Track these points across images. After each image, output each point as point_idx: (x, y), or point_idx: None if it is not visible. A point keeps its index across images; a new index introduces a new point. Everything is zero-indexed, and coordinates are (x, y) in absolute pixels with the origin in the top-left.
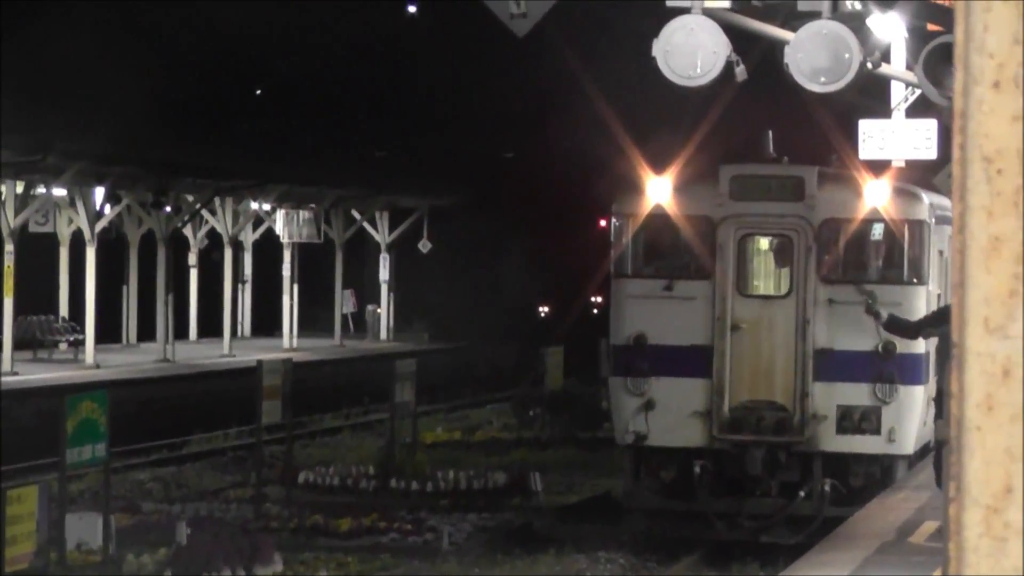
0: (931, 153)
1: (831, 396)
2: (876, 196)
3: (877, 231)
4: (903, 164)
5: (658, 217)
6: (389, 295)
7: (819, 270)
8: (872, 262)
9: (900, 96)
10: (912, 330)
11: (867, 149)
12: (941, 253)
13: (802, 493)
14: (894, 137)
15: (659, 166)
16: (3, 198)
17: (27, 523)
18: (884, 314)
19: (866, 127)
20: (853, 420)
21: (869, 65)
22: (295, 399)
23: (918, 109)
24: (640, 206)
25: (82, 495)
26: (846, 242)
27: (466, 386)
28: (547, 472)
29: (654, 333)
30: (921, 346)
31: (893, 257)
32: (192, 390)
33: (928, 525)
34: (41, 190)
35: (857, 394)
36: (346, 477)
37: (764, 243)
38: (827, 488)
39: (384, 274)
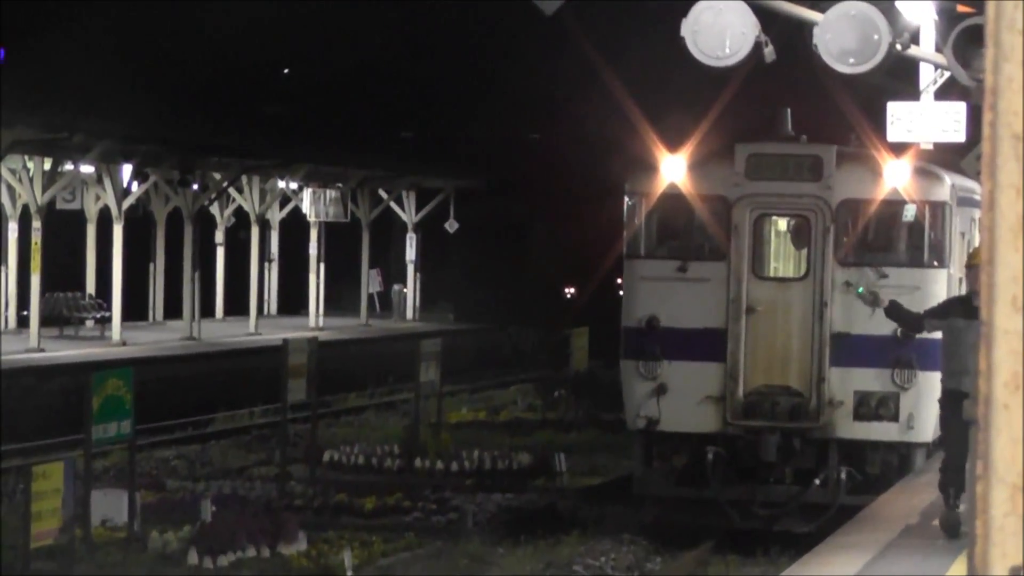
0: (959, 136)
1: (848, 381)
2: (896, 176)
3: (897, 212)
4: (931, 147)
5: (672, 196)
6: (415, 275)
7: (837, 252)
8: (892, 244)
9: (929, 78)
10: (915, 321)
11: (895, 131)
12: (963, 235)
13: (817, 481)
14: (922, 120)
15: (674, 144)
16: (31, 175)
17: (53, 499)
18: (885, 301)
19: (894, 109)
20: (870, 406)
21: (898, 47)
22: (320, 378)
23: (947, 92)
24: (654, 185)
25: (107, 472)
26: (865, 223)
27: (491, 366)
28: (571, 453)
29: (667, 315)
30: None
31: (913, 239)
32: (218, 368)
33: None
34: (68, 167)
35: (875, 380)
36: (370, 456)
37: (781, 224)
38: (843, 476)
39: (410, 254)
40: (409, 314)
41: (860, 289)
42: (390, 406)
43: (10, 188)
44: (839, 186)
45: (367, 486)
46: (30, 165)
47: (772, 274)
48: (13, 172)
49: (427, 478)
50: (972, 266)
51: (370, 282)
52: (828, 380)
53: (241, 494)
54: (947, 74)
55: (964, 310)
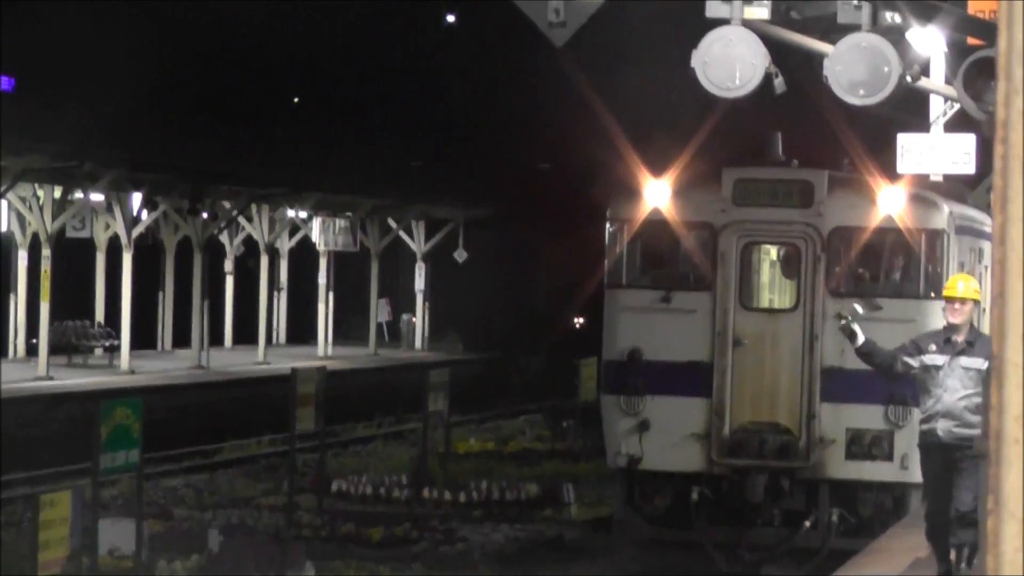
0: (969, 168)
1: (839, 419)
2: (891, 203)
3: (891, 241)
4: (940, 178)
5: (655, 223)
6: (424, 304)
7: (828, 282)
8: (886, 274)
9: (939, 110)
10: (888, 360)
11: (905, 163)
12: (963, 265)
13: (807, 523)
14: (932, 152)
15: (661, 168)
16: (41, 203)
17: (60, 528)
18: (862, 337)
19: (904, 141)
20: (863, 445)
21: (908, 79)
22: (329, 407)
23: (957, 124)
24: (636, 211)
25: (115, 501)
26: (858, 252)
27: (499, 396)
28: (580, 484)
29: (650, 348)
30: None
31: (909, 269)
32: (226, 397)
33: None
34: (78, 195)
35: (868, 417)
36: (379, 486)
37: (769, 252)
38: (834, 518)
39: (419, 283)
40: (418, 344)
41: (852, 317)
42: (398, 436)
43: (20, 216)
44: (831, 213)
45: (375, 516)
46: (40, 193)
47: (760, 305)
48: (23, 200)
49: (435, 508)
50: (949, 298)
51: (379, 311)
52: (819, 417)
53: (249, 524)
54: (957, 106)
55: (940, 345)
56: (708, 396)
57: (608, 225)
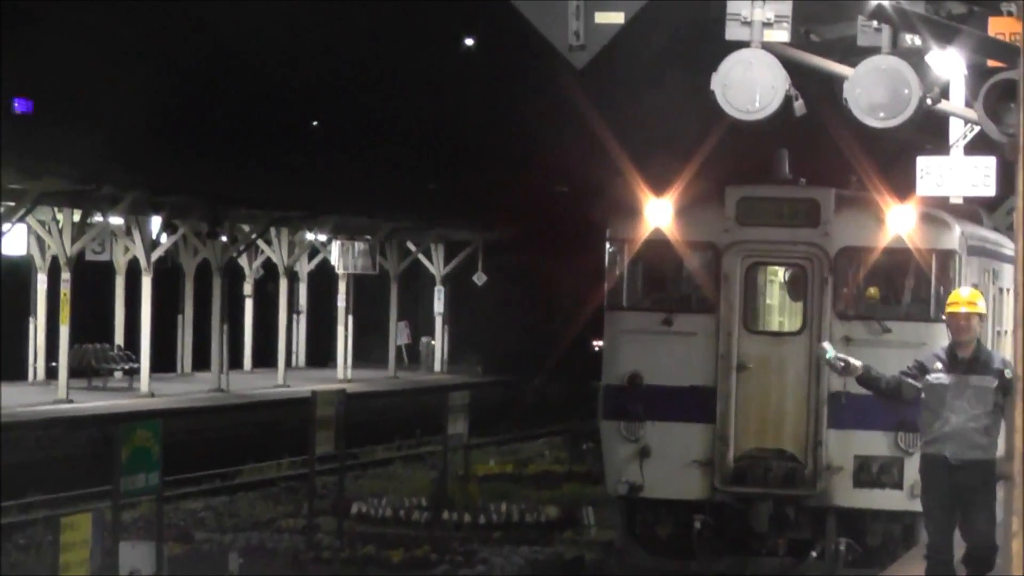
0: (989, 191)
1: (847, 445)
2: (900, 223)
3: (901, 262)
4: (960, 200)
5: (657, 243)
6: (443, 327)
7: (835, 304)
8: (895, 296)
9: (959, 133)
10: (893, 386)
11: (925, 186)
12: (976, 287)
13: (814, 553)
14: (952, 174)
15: (660, 187)
16: (60, 226)
17: (80, 551)
18: (859, 366)
19: (924, 164)
20: (871, 472)
21: (928, 101)
22: (348, 430)
23: (977, 146)
24: (637, 231)
25: (135, 523)
26: (866, 274)
27: (519, 419)
28: (599, 506)
29: (651, 372)
30: None
31: (919, 291)
32: (246, 420)
33: None
34: (98, 219)
35: (876, 443)
36: (398, 508)
37: (775, 274)
38: (842, 548)
39: (439, 306)
40: (437, 366)
41: (828, 354)
42: (418, 458)
43: (40, 240)
44: (838, 233)
45: (395, 538)
46: (59, 217)
47: (765, 328)
48: (43, 224)
49: (455, 531)
50: (952, 314)
51: (398, 334)
52: (825, 444)
53: (269, 546)
54: (977, 128)
55: (946, 364)
56: (711, 422)
57: (608, 245)
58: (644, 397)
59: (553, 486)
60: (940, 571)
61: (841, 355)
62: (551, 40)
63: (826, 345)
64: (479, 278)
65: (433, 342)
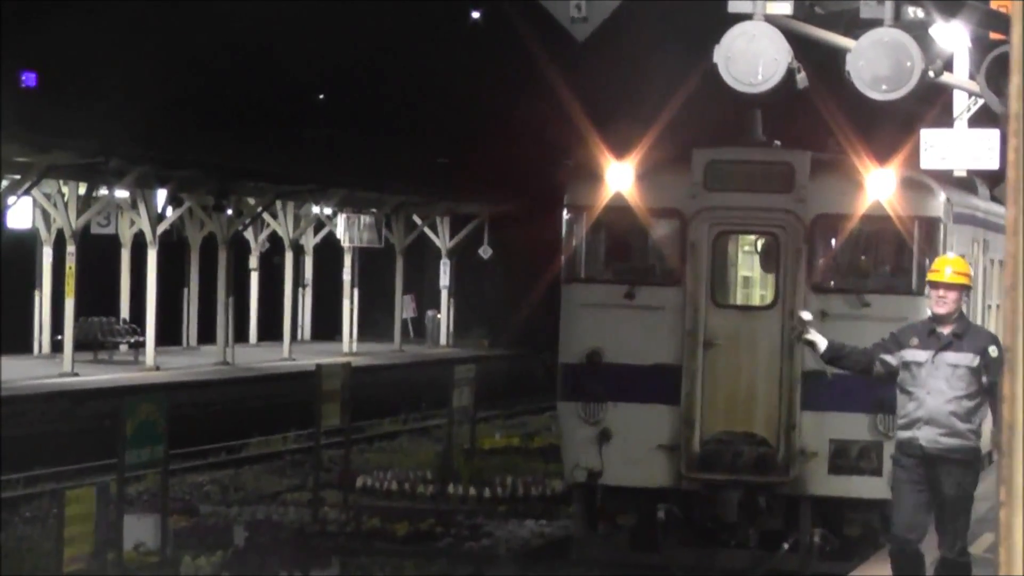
0: (993, 163)
1: (822, 429)
2: (880, 188)
3: (880, 230)
4: (964, 173)
5: (618, 210)
6: (449, 300)
7: (810, 276)
8: (874, 267)
9: (963, 105)
10: (864, 362)
11: (929, 159)
12: (963, 258)
13: (786, 545)
14: (956, 147)
15: (625, 150)
16: (66, 200)
17: (85, 524)
18: (823, 343)
19: (928, 137)
20: (849, 457)
21: (931, 74)
22: (354, 403)
23: (980, 119)
24: (596, 196)
25: (140, 497)
26: (843, 243)
27: (525, 392)
28: None
29: (612, 350)
30: None
31: (900, 262)
32: (251, 393)
33: (987, 537)
34: (103, 192)
35: (854, 426)
36: (404, 482)
37: (745, 243)
38: (816, 539)
39: (444, 279)
40: (443, 340)
41: (803, 321)
42: (423, 432)
43: (45, 213)
44: (814, 199)
45: (400, 512)
46: (65, 190)
47: (735, 302)
48: (48, 197)
49: (460, 504)
50: (933, 283)
51: (404, 308)
52: (799, 427)
53: (274, 519)
54: (981, 101)
55: (923, 340)
56: (676, 403)
57: (565, 212)
58: (604, 376)
59: (559, 460)
60: (907, 563)
61: (811, 333)
62: (553, 12)
63: (806, 316)
64: (485, 251)
65: (439, 315)
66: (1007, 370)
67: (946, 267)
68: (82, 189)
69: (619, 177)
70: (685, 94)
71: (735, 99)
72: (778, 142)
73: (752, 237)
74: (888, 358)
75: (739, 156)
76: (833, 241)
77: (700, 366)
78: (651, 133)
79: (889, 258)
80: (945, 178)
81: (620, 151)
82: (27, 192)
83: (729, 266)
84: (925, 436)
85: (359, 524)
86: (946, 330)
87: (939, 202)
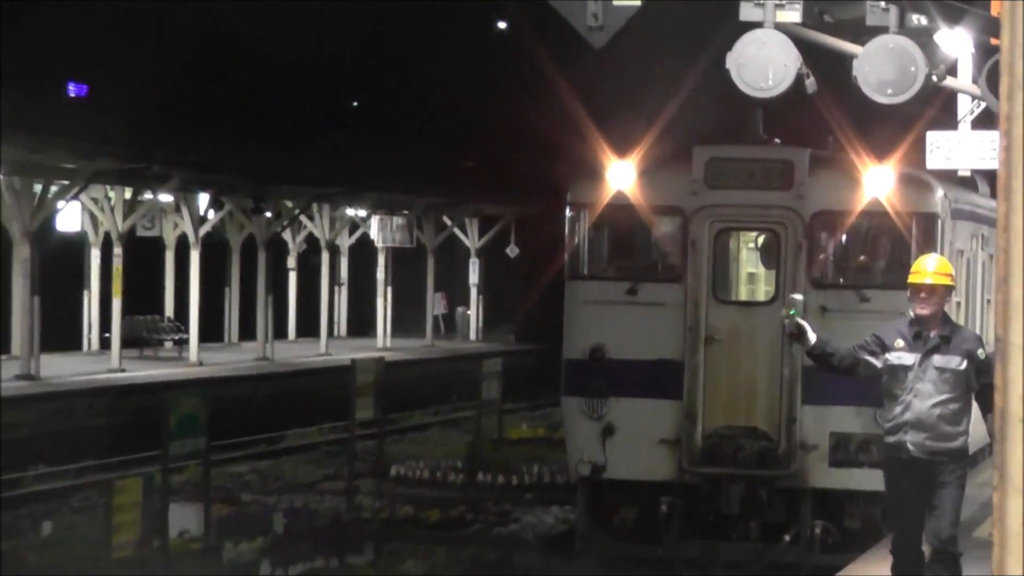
0: (995, 163)
1: (823, 422)
2: (878, 185)
3: (879, 226)
4: (968, 173)
5: (620, 208)
6: (478, 297)
7: (810, 272)
8: (873, 263)
9: (966, 108)
10: (848, 362)
11: (934, 159)
12: (962, 253)
13: (787, 537)
14: (960, 148)
15: (627, 148)
16: (112, 204)
17: (132, 512)
18: (813, 337)
19: (934, 138)
20: (849, 450)
21: (934, 78)
22: (387, 396)
23: (984, 121)
24: (598, 194)
25: (184, 486)
26: (842, 239)
27: (550, 385)
28: None
29: (614, 345)
30: None
31: (899, 257)
32: (289, 387)
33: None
34: (148, 196)
35: (854, 420)
36: (435, 471)
37: (746, 239)
38: (818, 531)
39: (473, 277)
40: (472, 335)
41: (793, 311)
42: (453, 423)
43: (93, 216)
44: (813, 196)
45: (431, 499)
46: (111, 194)
47: (736, 298)
48: (95, 201)
49: (488, 492)
50: (915, 285)
51: (435, 305)
52: (800, 421)
53: (311, 507)
54: (983, 104)
55: (909, 341)
56: (679, 398)
57: (568, 211)
58: (607, 372)
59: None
60: (908, 562)
61: (803, 322)
62: (571, 21)
63: (796, 297)
64: (512, 250)
65: (468, 312)
66: (998, 360)
67: (927, 266)
68: (128, 193)
69: (621, 175)
70: (686, 93)
71: (740, 99)
72: (778, 140)
73: (753, 234)
74: (872, 360)
75: (739, 154)
76: (832, 237)
77: (702, 361)
78: (652, 131)
79: (887, 253)
80: (944, 175)
81: (622, 149)
82: (75, 197)
83: (730, 262)
84: (913, 441)
85: (392, 511)
86: (932, 332)
87: (937, 198)
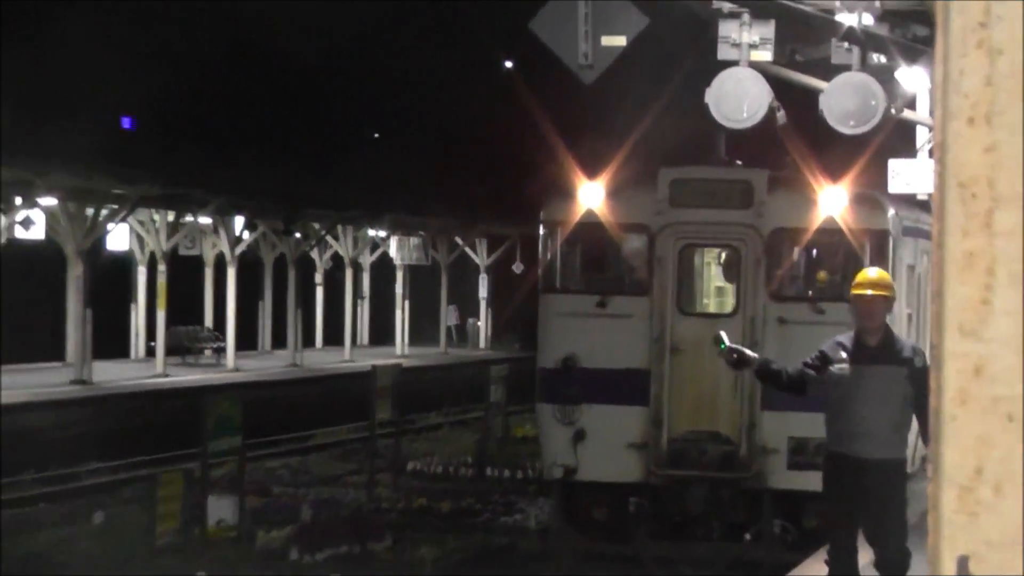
0: None
1: (782, 427)
2: (832, 204)
3: (834, 242)
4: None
5: (590, 226)
6: (487, 310)
7: (769, 285)
8: (828, 276)
9: (925, 137)
10: (794, 379)
11: (895, 184)
12: (912, 268)
13: (748, 535)
14: (918, 174)
15: (596, 170)
16: (157, 226)
17: (174, 503)
18: (754, 360)
19: (895, 166)
20: (807, 453)
21: (892, 111)
22: (404, 399)
23: None
24: (569, 213)
25: (221, 480)
26: (799, 254)
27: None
28: None
29: (585, 355)
30: None
31: (853, 271)
32: (317, 390)
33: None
34: (189, 219)
35: (812, 424)
36: (447, 466)
37: (708, 255)
38: (777, 530)
39: (483, 292)
40: (482, 344)
41: (723, 344)
42: (464, 423)
43: (139, 237)
44: (771, 214)
45: (444, 492)
46: (156, 217)
47: (699, 310)
48: (142, 223)
49: (496, 485)
50: (858, 296)
51: (448, 316)
52: (760, 426)
53: (336, 499)
54: None
55: (852, 354)
56: (646, 404)
57: (541, 228)
58: (579, 380)
59: None
60: (844, 563)
61: (736, 346)
62: (564, 59)
63: (722, 334)
64: (517, 267)
65: (478, 323)
66: (933, 366)
67: (868, 277)
68: (171, 216)
69: (590, 195)
70: (653, 116)
71: (706, 123)
72: (739, 161)
73: (716, 250)
74: (814, 375)
75: (702, 175)
76: (790, 253)
77: (667, 370)
78: (620, 153)
79: (842, 268)
80: (898, 196)
81: (591, 170)
82: (123, 219)
83: (695, 277)
84: (856, 449)
85: (408, 502)
86: (873, 343)
87: (888, 216)
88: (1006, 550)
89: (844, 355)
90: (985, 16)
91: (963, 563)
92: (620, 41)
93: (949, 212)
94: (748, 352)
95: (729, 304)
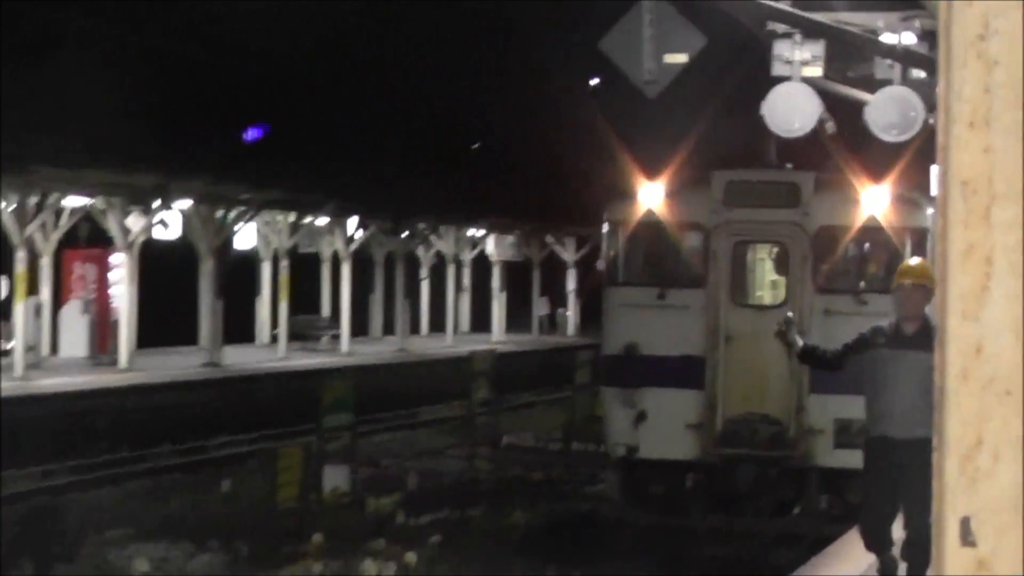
0: None
1: (827, 409)
2: (874, 203)
3: (876, 239)
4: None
5: (650, 224)
6: (575, 301)
7: (815, 279)
8: (870, 271)
9: None
10: (834, 360)
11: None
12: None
13: (796, 510)
14: None
15: (656, 171)
16: (279, 226)
17: (293, 473)
18: (799, 343)
19: (935, 170)
20: (850, 434)
21: (931, 120)
22: (500, 381)
23: None
24: (631, 212)
25: (335, 452)
26: (843, 250)
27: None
28: None
29: (646, 343)
30: None
31: (893, 266)
32: (422, 373)
33: None
34: (308, 219)
35: (854, 407)
36: (538, 440)
37: (759, 251)
38: (823, 505)
39: (571, 284)
40: (571, 331)
41: (790, 316)
42: (554, 402)
43: (264, 236)
44: (816, 213)
45: (536, 463)
46: (279, 218)
47: (751, 302)
48: (267, 224)
49: (582, 458)
50: (899, 285)
51: (540, 307)
52: (807, 408)
53: (439, 470)
54: None
55: (890, 340)
56: (702, 388)
57: (605, 226)
58: (640, 366)
59: None
60: (881, 541)
61: (792, 333)
62: (630, 76)
63: (790, 314)
64: (600, 263)
65: (568, 312)
66: (937, 346)
67: (910, 270)
68: (292, 218)
69: (651, 195)
70: (709, 122)
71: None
72: (789, 164)
73: (767, 246)
74: (855, 357)
75: (753, 177)
76: (834, 249)
77: (722, 357)
78: (678, 157)
79: (883, 262)
80: (934, 196)
81: (651, 173)
82: (250, 220)
83: (747, 271)
84: (894, 430)
85: (503, 473)
86: (912, 330)
87: (926, 215)
88: (1004, 513)
89: (883, 340)
90: (983, 30)
91: (965, 524)
92: (682, 59)
93: (951, 207)
94: (797, 339)
95: (780, 296)
